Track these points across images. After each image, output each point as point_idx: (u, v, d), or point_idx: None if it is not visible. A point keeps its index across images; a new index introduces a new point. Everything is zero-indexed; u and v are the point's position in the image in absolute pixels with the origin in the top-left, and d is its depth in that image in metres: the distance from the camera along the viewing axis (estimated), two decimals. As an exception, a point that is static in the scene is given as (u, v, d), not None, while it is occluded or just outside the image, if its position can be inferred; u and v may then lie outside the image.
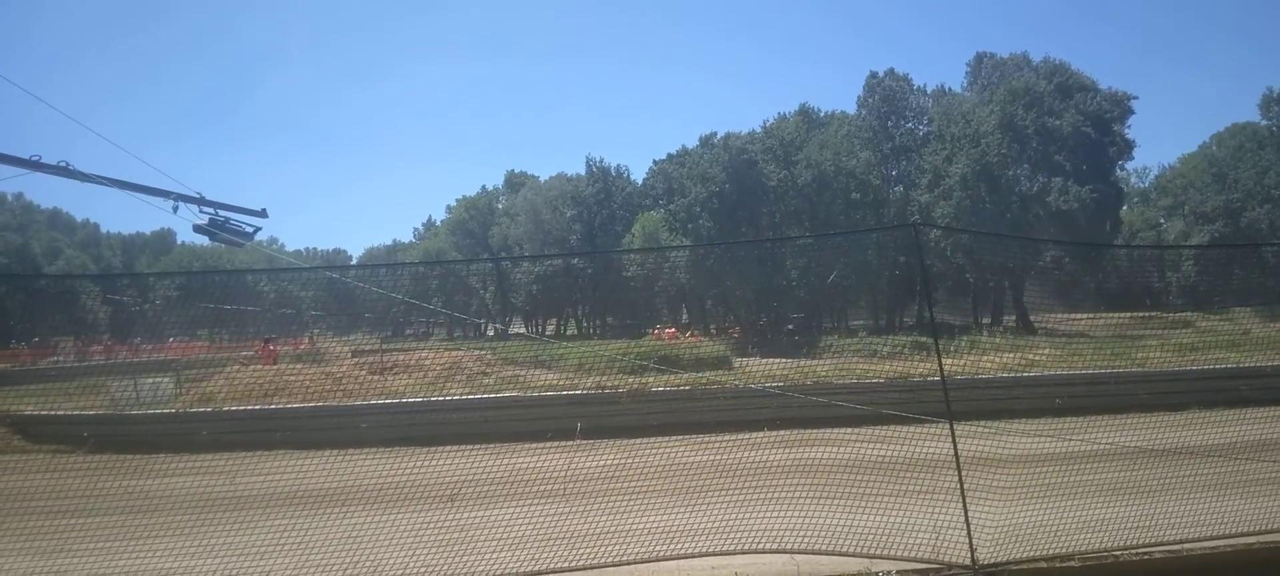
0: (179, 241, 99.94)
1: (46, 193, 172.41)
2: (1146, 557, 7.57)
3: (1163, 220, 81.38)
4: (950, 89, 70.13)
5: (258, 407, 19.90)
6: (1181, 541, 7.80)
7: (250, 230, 11.29)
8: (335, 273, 18.92)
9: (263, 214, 11.59)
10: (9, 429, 19.73)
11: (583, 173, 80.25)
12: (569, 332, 76.60)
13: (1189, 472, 10.17)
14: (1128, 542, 7.77)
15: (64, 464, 14.59)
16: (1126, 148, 60.93)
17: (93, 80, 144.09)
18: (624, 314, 71.89)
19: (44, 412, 19.94)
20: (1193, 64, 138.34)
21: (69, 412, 19.90)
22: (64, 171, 9.94)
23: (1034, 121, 58.11)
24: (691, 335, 48.79)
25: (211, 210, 10.84)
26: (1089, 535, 7.94)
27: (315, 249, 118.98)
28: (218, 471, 12.89)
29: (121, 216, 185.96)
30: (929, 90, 70.39)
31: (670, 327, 53.98)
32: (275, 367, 25.37)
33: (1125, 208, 73.39)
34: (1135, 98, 60.57)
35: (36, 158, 9.89)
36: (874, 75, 69.77)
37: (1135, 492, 9.31)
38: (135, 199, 10.32)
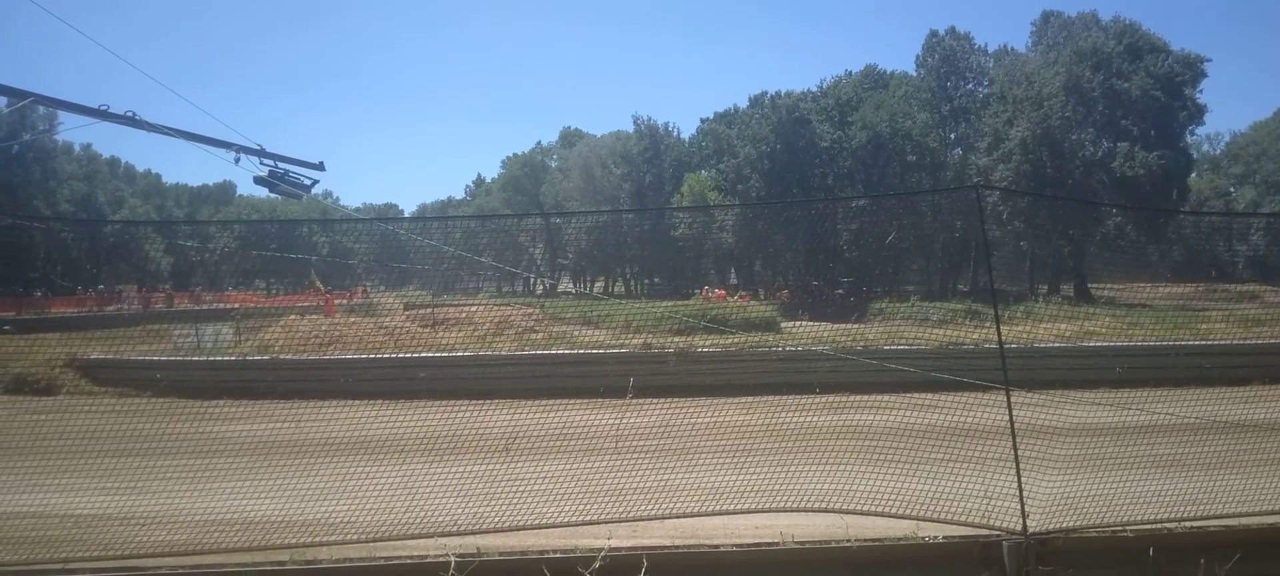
0: (239, 193, 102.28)
1: (108, 142, 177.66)
2: (1201, 530, 7.43)
3: (1233, 189, 78.44)
4: (1013, 49, 68.23)
5: (326, 357, 20.43)
6: (1238, 514, 7.64)
7: (309, 183, 11.41)
8: (388, 224, 19.17)
9: (320, 167, 11.72)
10: (78, 372, 20.56)
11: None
12: (617, 292, 76.91)
13: (1250, 447, 9.92)
14: (1183, 515, 7.63)
15: (131, 406, 15.16)
16: (1197, 113, 58.73)
17: (135, 16, 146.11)
18: (672, 274, 71.94)
19: (111, 357, 20.74)
20: (1269, 25, 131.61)
21: (135, 357, 20.69)
22: (131, 121, 10.04)
23: (1101, 84, 56.23)
24: (740, 297, 48.63)
25: (271, 162, 10.97)
26: (1144, 507, 7.80)
27: (369, 204, 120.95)
28: (277, 418, 13.27)
29: (183, 167, 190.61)
30: (990, 50, 68.63)
31: (718, 289, 53.84)
32: (330, 319, 25.94)
33: (1194, 175, 70.90)
34: (1208, 60, 58.24)
35: (105, 107, 9.97)
36: (934, 34, 68.17)
37: (1193, 466, 9.12)
38: (196, 150, 10.50)
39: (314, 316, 26.88)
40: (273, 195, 12.57)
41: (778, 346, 21.58)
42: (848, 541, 7.15)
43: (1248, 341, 21.52)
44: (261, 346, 22.52)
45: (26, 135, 62.60)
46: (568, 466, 9.68)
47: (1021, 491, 7.29)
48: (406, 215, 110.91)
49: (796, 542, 7.21)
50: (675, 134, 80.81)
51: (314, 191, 12.07)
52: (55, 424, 12.65)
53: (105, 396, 18.63)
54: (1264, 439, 10.20)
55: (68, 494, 9.19)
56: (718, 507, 8.18)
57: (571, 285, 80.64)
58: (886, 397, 13.95)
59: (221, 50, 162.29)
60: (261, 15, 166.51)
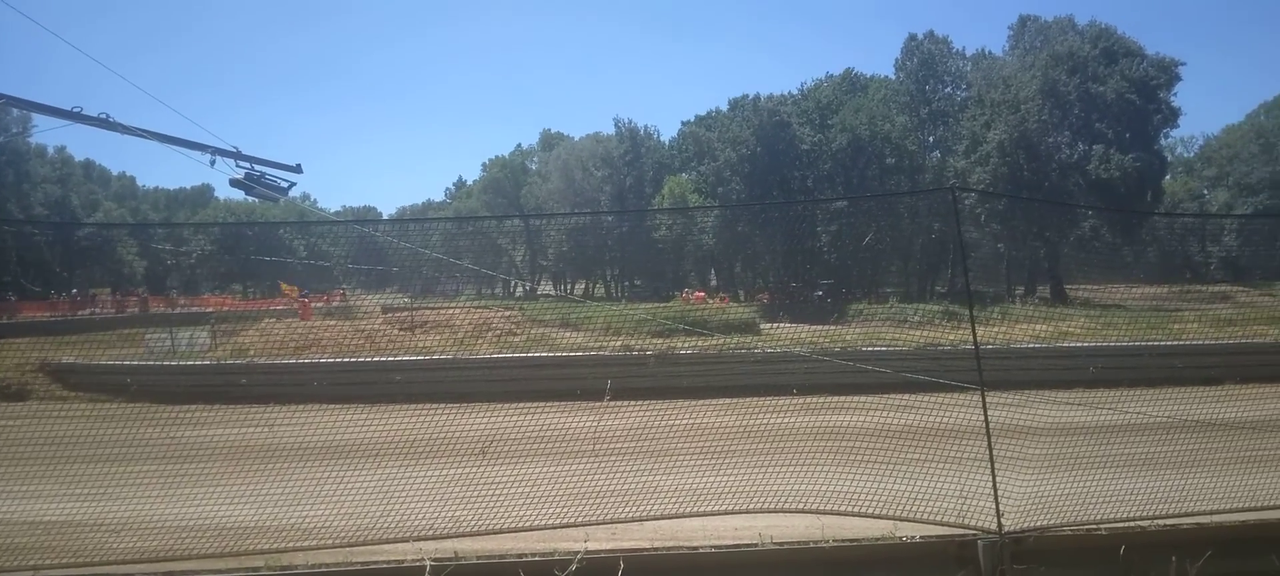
0: (216, 196, 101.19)
1: (83, 145, 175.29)
2: (1173, 528, 7.51)
3: (1206, 191, 79.45)
4: (991, 53, 68.81)
5: (302, 361, 20.26)
6: (1210, 512, 7.73)
7: (285, 185, 11.30)
8: (365, 227, 19.05)
9: (298, 169, 11.61)
10: (49, 377, 20.28)
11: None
12: (597, 294, 76.81)
13: (1221, 446, 10.05)
14: (1155, 514, 7.71)
15: (103, 411, 14.95)
16: (1172, 116, 59.29)
17: (123, 27, 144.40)
18: (652, 277, 71.92)
19: (83, 361, 20.45)
20: (1242, 30, 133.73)
21: (108, 362, 20.41)
22: (104, 123, 9.92)
23: (1077, 87, 56.73)
24: (720, 299, 48.73)
25: (248, 164, 10.86)
26: (1117, 506, 7.88)
27: (348, 206, 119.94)
28: (251, 423, 13.15)
29: (158, 171, 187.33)
30: (968, 54, 69.21)
31: (698, 291, 53.89)
32: (307, 323, 25.72)
33: (1168, 177, 71.73)
34: (1182, 64, 58.90)
35: (78, 109, 9.84)
36: (913, 37, 68.66)
37: (1165, 465, 9.22)
38: (172, 154, 10.38)
39: (290, 320, 26.65)
40: (249, 198, 12.43)
41: (756, 348, 21.64)
42: (825, 542, 7.16)
43: (1220, 341, 21.80)
44: (237, 350, 22.30)
45: (-1, 137, 61.78)
46: (545, 469, 9.65)
47: (996, 491, 7.34)
48: (385, 218, 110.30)
49: (774, 543, 7.21)
50: (655, 136, 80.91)
51: (292, 194, 11.95)
52: (25, 430, 12.46)
53: (77, 401, 18.38)
54: (1235, 438, 10.33)
55: (37, 500, 9.08)
56: (696, 509, 8.19)
57: (552, 288, 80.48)
58: (864, 398, 14.02)
59: (201, 58, 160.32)
60: (240, 22, 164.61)
